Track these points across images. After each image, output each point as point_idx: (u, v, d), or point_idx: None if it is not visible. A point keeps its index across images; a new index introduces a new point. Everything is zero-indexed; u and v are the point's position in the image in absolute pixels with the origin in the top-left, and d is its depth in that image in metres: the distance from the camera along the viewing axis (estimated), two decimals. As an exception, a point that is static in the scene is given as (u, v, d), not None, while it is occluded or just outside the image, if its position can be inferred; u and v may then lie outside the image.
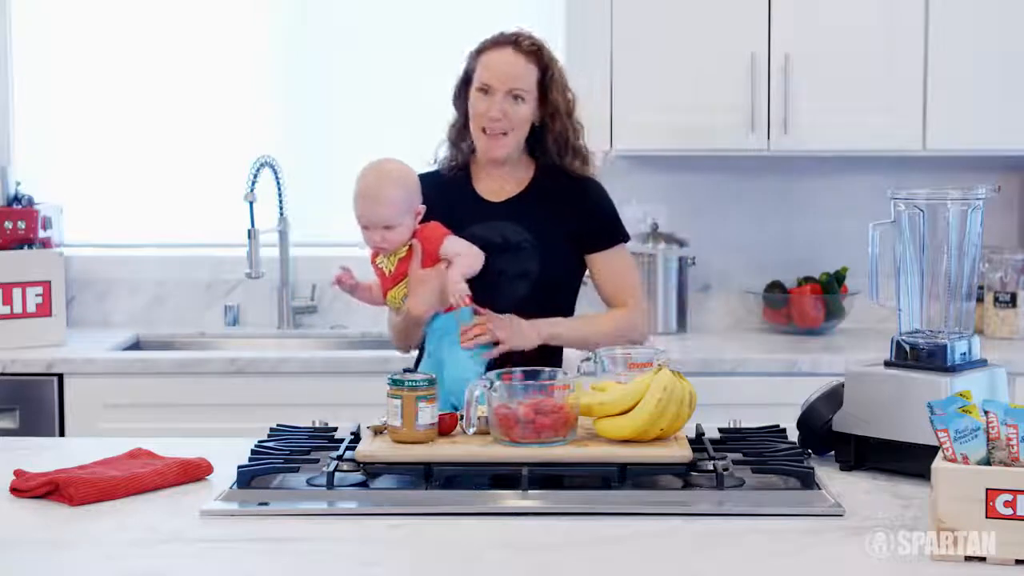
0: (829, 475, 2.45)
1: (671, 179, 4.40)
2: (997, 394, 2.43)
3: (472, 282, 2.76)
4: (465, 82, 3.01)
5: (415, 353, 2.98)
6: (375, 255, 2.80)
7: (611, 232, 3.02)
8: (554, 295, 2.97)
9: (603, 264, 3.01)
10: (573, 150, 3.00)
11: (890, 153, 4.17)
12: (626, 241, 3.05)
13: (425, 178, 2.87)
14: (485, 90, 2.92)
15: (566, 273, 3.00)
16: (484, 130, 2.93)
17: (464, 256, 2.75)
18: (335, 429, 2.69)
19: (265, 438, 2.63)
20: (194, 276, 4.47)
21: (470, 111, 2.96)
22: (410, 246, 2.74)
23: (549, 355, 2.92)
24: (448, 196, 2.93)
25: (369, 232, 2.73)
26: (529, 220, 2.94)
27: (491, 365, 2.70)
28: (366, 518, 2.23)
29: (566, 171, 3.00)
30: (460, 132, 3.03)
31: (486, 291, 2.81)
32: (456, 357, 2.70)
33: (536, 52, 2.95)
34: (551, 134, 2.97)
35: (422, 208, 2.76)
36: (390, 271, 2.76)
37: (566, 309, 3.01)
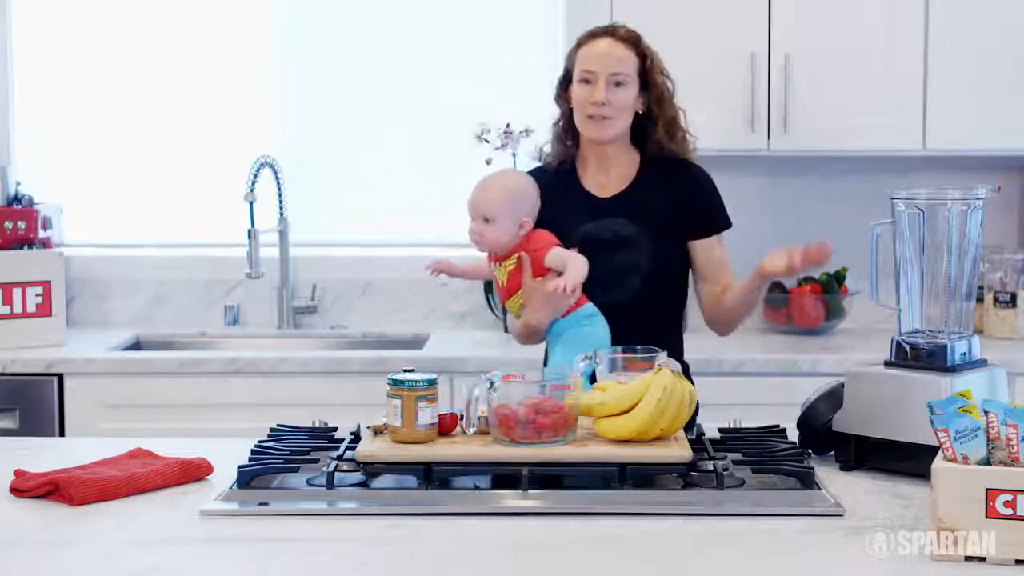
0: (829, 475, 2.45)
1: (671, 179, 4.40)
2: (997, 394, 2.43)
3: (586, 280, 2.84)
4: (566, 79, 3.04)
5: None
6: (490, 258, 2.92)
7: (715, 219, 3.07)
8: (668, 286, 3.01)
9: (707, 250, 3.06)
10: (682, 134, 3.06)
11: (890, 153, 4.17)
12: (729, 227, 3.11)
13: (532, 175, 2.98)
14: (587, 79, 2.96)
15: (678, 264, 3.04)
16: (590, 116, 2.96)
17: (573, 262, 2.82)
18: (335, 429, 2.69)
19: (265, 438, 2.63)
20: (194, 276, 4.47)
21: (574, 102, 2.99)
22: (519, 258, 2.86)
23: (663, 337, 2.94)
24: (556, 193, 2.98)
25: (472, 223, 2.87)
26: (638, 214, 2.98)
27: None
28: (366, 518, 2.23)
29: (671, 160, 3.03)
30: (565, 129, 3.07)
31: (600, 288, 2.88)
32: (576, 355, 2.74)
33: (634, 40, 3.02)
34: (660, 119, 3.01)
35: (528, 222, 2.86)
36: (503, 283, 2.89)
37: (681, 299, 3.09)
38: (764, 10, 4.05)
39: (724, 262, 3.10)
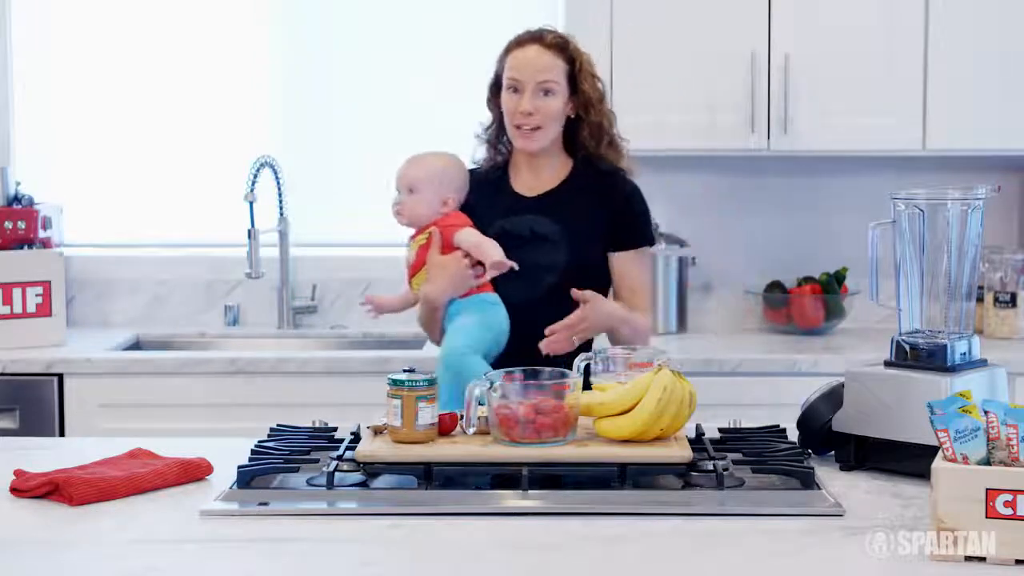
0: (829, 475, 2.45)
1: (671, 179, 4.40)
2: (997, 394, 2.43)
3: (503, 275, 2.84)
4: (496, 84, 3.05)
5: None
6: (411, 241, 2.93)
7: (635, 234, 3.03)
8: (584, 287, 2.94)
9: (624, 264, 3.02)
10: (609, 139, 3.02)
11: (890, 153, 4.17)
12: (650, 245, 3.07)
13: None
14: (515, 87, 2.96)
15: (596, 266, 3.01)
16: (518, 127, 2.96)
17: (487, 244, 2.84)
18: (335, 429, 2.70)
19: (265, 438, 2.63)
20: (194, 276, 4.47)
21: (503, 110, 2.99)
22: (429, 234, 2.86)
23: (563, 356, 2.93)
24: (484, 193, 2.99)
25: (396, 195, 2.90)
26: (560, 213, 2.98)
27: (501, 362, 2.74)
28: (366, 518, 2.23)
29: (601, 165, 3.02)
30: (496, 133, 3.08)
31: (512, 281, 2.87)
32: (469, 342, 2.76)
33: (562, 46, 2.98)
34: (587, 125, 3.00)
35: (451, 200, 2.88)
36: (411, 260, 2.89)
37: None
38: (764, 10, 4.05)
39: (638, 285, 3.04)
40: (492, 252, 2.84)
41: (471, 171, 3.03)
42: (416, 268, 2.90)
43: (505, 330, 2.86)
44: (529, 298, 2.89)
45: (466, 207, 2.94)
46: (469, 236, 2.86)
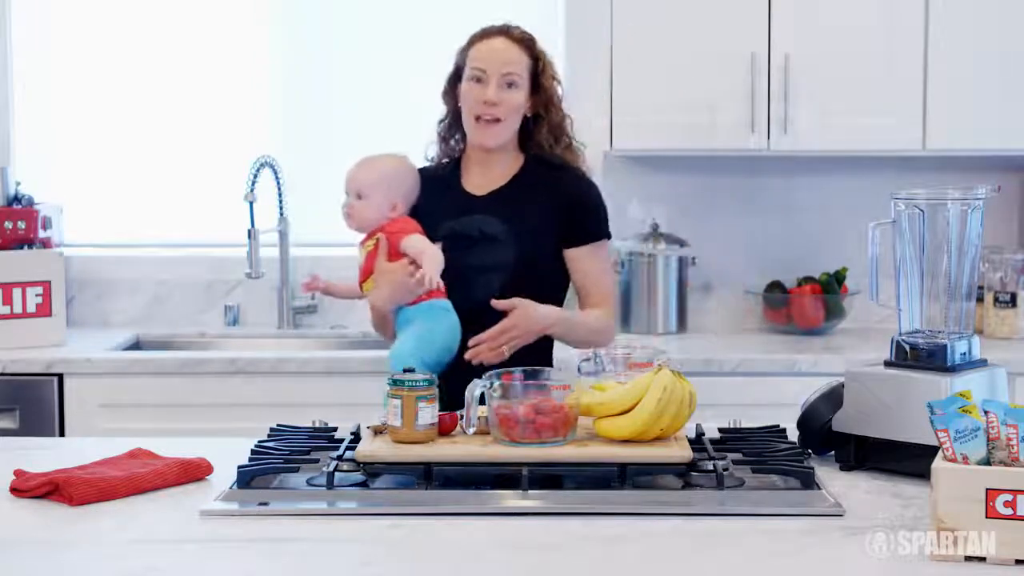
0: (829, 475, 2.45)
1: (671, 179, 4.40)
2: (997, 394, 2.43)
3: (448, 275, 2.81)
4: (455, 77, 3.02)
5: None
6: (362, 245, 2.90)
7: (589, 227, 2.98)
8: (536, 288, 2.92)
9: (579, 260, 2.97)
10: (568, 141, 2.99)
11: (890, 153, 4.17)
12: (606, 239, 3.02)
13: None
14: (478, 78, 2.93)
15: (547, 266, 2.96)
16: (477, 118, 2.92)
17: (427, 255, 2.80)
18: (335, 429, 2.70)
19: (265, 438, 2.63)
20: (194, 276, 4.47)
21: (462, 102, 2.96)
22: (377, 240, 2.84)
23: (540, 353, 2.92)
24: (433, 191, 2.95)
25: (346, 198, 2.90)
26: (509, 212, 2.93)
27: (453, 368, 2.75)
28: (366, 518, 2.23)
29: (554, 164, 2.98)
30: (450, 128, 3.05)
31: (462, 284, 2.84)
32: (419, 348, 2.76)
33: (527, 41, 2.97)
34: (546, 123, 2.97)
35: (400, 206, 2.87)
36: (361, 264, 2.88)
37: (553, 303, 2.95)
38: (764, 10, 4.05)
39: (594, 281, 2.97)
40: (428, 265, 2.79)
41: (421, 169, 3.00)
42: (366, 273, 2.88)
43: (456, 337, 2.83)
44: (481, 300, 2.85)
45: (415, 207, 2.91)
46: (415, 243, 2.83)
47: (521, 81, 2.92)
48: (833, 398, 2.55)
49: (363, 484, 2.36)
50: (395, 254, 2.83)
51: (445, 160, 3.05)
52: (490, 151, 2.97)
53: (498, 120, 2.92)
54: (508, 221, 2.92)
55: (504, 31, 2.98)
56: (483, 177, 2.99)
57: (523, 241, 2.92)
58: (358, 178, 2.90)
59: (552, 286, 2.99)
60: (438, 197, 2.95)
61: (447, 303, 2.84)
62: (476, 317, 2.83)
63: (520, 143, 3.01)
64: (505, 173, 2.99)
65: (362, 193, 2.88)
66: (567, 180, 2.98)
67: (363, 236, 2.92)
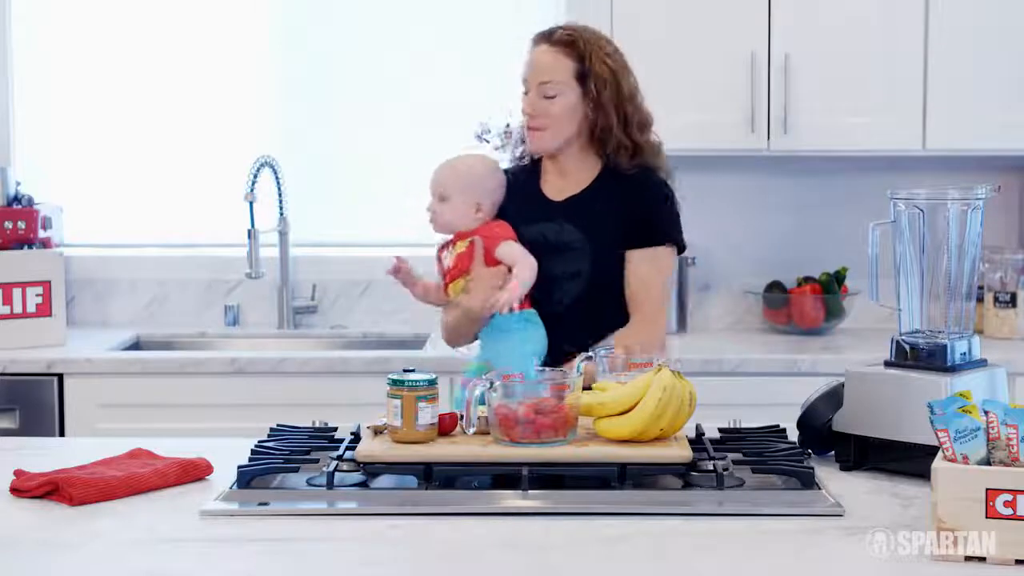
0: (829, 475, 2.45)
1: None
2: (997, 394, 2.43)
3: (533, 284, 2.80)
4: None
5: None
6: (441, 249, 2.87)
7: (648, 231, 2.90)
8: (609, 296, 2.88)
9: (632, 262, 2.89)
10: (617, 143, 2.88)
11: (890, 153, 4.17)
12: (667, 246, 2.92)
13: None
14: (524, 88, 2.91)
15: (620, 274, 2.90)
16: (526, 127, 2.92)
17: (521, 265, 2.77)
18: (335, 429, 2.69)
19: (265, 438, 2.63)
20: (194, 276, 4.47)
21: None
22: (471, 241, 2.81)
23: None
24: (513, 193, 2.92)
25: (431, 201, 2.85)
26: (584, 220, 2.89)
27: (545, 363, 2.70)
28: (366, 518, 2.23)
29: (626, 169, 2.90)
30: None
31: (541, 291, 2.83)
32: (510, 357, 2.67)
33: (568, 42, 2.88)
34: (596, 128, 2.88)
35: (484, 207, 2.83)
36: (450, 265, 2.84)
37: (619, 315, 2.89)
38: (764, 10, 4.05)
39: (638, 288, 2.87)
40: (521, 274, 2.76)
41: (505, 171, 2.96)
42: (454, 275, 2.83)
43: (542, 349, 2.79)
44: (557, 306, 2.84)
45: (500, 211, 2.88)
46: (511, 251, 2.80)
47: (561, 88, 2.85)
48: (833, 398, 2.55)
49: (363, 484, 2.36)
50: (489, 259, 2.80)
51: (526, 161, 3.02)
52: (553, 157, 2.94)
53: (541, 128, 2.89)
54: (584, 229, 2.88)
55: (547, 36, 2.91)
56: (560, 181, 2.95)
57: (597, 249, 2.87)
58: (438, 180, 2.85)
59: (622, 298, 2.91)
60: (517, 199, 2.91)
61: (535, 315, 2.81)
62: (549, 324, 2.82)
63: (598, 145, 2.92)
64: (582, 179, 2.93)
65: (443, 195, 2.83)
66: (636, 185, 2.90)
67: (447, 238, 2.86)
